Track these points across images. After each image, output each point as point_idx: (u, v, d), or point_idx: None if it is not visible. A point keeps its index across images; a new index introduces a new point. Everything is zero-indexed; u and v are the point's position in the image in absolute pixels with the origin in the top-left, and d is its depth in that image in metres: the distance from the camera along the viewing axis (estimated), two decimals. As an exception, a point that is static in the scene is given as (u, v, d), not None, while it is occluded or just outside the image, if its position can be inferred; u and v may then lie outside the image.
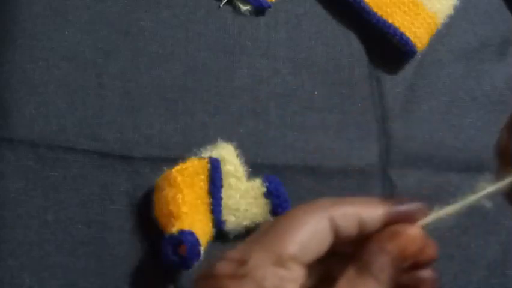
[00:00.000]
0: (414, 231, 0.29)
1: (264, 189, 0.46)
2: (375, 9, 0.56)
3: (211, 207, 0.45)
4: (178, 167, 0.43)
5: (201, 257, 0.43)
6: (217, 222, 0.45)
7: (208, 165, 0.44)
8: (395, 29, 0.55)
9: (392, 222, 0.29)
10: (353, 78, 0.56)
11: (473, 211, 0.55)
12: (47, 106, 0.50)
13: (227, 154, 0.46)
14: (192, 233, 0.42)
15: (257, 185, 0.47)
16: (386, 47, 0.56)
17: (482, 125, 0.56)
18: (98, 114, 0.51)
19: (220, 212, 0.45)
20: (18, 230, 0.46)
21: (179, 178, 0.42)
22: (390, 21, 0.55)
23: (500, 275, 0.51)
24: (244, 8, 0.56)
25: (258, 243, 0.28)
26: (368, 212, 0.29)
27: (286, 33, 0.57)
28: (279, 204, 0.46)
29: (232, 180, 0.46)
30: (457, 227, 0.51)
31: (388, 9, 0.56)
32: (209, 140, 0.49)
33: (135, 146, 0.50)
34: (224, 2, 0.56)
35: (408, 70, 0.57)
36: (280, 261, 0.27)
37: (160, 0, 0.56)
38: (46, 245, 0.46)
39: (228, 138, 0.49)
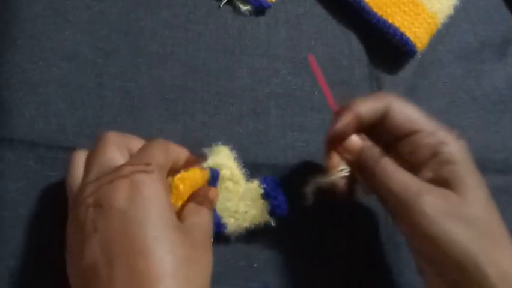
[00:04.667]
0: None
1: (262, 191, 0.47)
2: (375, 9, 0.56)
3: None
4: (179, 176, 0.42)
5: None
6: (216, 226, 0.46)
7: (208, 176, 0.45)
8: (395, 29, 0.55)
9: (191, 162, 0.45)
10: (353, 78, 0.56)
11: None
12: (47, 106, 0.50)
13: (222, 159, 0.46)
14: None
15: (254, 187, 0.47)
16: (386, 47, 0.56)
17: (482, 125, 0.56)
18: (98, 114, 0.51)
19: (216, 216, 0.46)
20: (18, 230, 0.46)
21: (181, 186, 0.42)
22: (390, 21, 0.55)
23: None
24: (244, 8, 0.56)
25: (157, 146, 0.41)
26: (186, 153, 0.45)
27: (286, 33, 0.57)
28: (278, 205, 0.46)
29: (229, 184, 0.46)
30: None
31: (388, 9, 0.56)
32: (209, 140, 0.49)
33: (135, 146, 0.50)
34: (224, 2, 0.56)
35: (408, 70, 0.57)
36: (169, 162, 0.41)
37: (160, 0, 0.56)
38: (46, 245, 0.46)
39: (228, 138, 0.49)
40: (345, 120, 0.42)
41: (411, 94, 0.56)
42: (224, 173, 0.46)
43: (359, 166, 0.42)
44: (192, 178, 0.43)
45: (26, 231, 0.46)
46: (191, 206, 0.41)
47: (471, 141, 0.55)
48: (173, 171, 0.42)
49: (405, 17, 0.55)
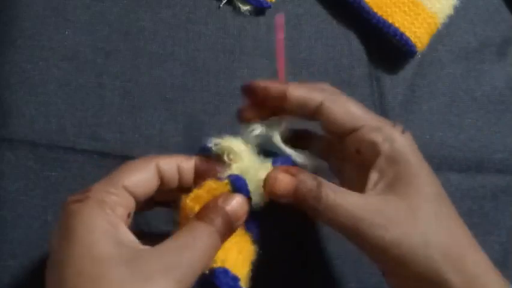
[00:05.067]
0: (240, 198, 0.36)
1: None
2: (375, 9, 0.56)
3: (245, 225, 0.38)
4: (192, 195, 0.36)
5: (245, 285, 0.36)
6: (255, 237, 0.39)
7: (228, 187, 0.37)
8: (395, 29, 0.55)
9: (201, 172, 0.38)
10: (353, 78, 0.56)
11: (473, 211, 0.55)
12: (47, 106, 0.50)
13: (235, 150, 0.39)
14: (225, 271, 0.35)
15: (267, 166, 0.39)
16: (386, 47, 0.56)
17: (482, 125, 0.56)
18: (98, 114, 0.51)
19: (256, 227, 0.39)
20: (18, 230, 0.46)
21: (196, 207, 0.35)
22: (390, 21, 0.55)
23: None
24: (244, 8, 0.56)
25: (103, 179, 0.36)
26: (184, 162, 0.38)
27: (286, 33, 0.56)
28: None
29: (246, 166, 0.39)
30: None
31: (388, 9, 0.56)
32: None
33: (135, 146, 0.50)
34: (224, 2, 0.56)
35: (408, 70, 0.57)
36: (116, 189, 0.35)
37: (160, 0, 0.56)
38: (46, 245, 0.46)
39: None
40: (274, 85, 0.39)
41: (411, 94, 0.56)
42: (238, 166, 0.39)
43: (299, 205, 0.37)
44: (206, 195, 0.36)
45: (26, 231, 0.46)
46: (188, 223, 0.35)
47: (471, 141, 0.55)
48: (183, 190, 0.37)
49: (405, 17, 0.55)
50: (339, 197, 0.36)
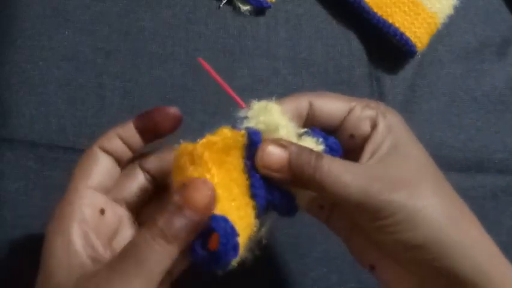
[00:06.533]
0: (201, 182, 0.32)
1: (322, 147, 0.37)
2: (375, 9, 0.56)
3: (251, 191, 0.35)
4: (204, 141, 0.32)
5: (239, 254, 0.33)
6: (260, 209, 0.35)
7: (244, 139, 0.33)
8: (395, 29, 0.55)
9: (143, 130, 0.37)
10: (353, 78, 0.56)
11: (473, 211, 0.55)
12: (47, 106, 0.50)
13: (273, 117, 0.36)
14: (225, 219, 0.32)
15: (311, 145, 0.37)
16: (386, 47, 0.56)
17: (482, 125, 0.56)
18: (98, 114, 0.51)
19: (263, 196, 0.35)
20: (18, 230, 0.46)
21: (206, 154, 0.32)
22: (390, 21, 0.55)
23: (500, 275, 0.51)
24: (244, 8, 0.56)
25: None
26: (122, 130, 0.37)
27: (286, 33, 0.57)
28: (336, 149, 0.38)
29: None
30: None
31: (388, 9, 0.56)
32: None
33: (135, 146, 0.50)
34: (224, 2, 0.56)
35: (408, 70, 0.57)
36: (77, 193, 0.35)
37: (160, 0, 0.56)
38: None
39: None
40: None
41: (411, 94, 0.56)
42: (281, 134, 0.35)
43: (296, 180, 0.35)
44: (219, 144, 0.33)
45: (26, 231, 0.46)
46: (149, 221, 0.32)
47: (471, 141, 0.55)
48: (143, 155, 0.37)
49: (405, 17, 0.55)
50: (341, 167, 0.34)
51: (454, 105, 0.57)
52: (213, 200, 0.32)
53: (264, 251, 0.49)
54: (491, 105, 0.57)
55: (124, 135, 0.37)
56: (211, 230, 0.31)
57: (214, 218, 0.31)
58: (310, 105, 0.38)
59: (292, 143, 0.35)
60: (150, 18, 0.55)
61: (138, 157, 0.38)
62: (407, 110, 0.56)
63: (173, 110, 0.37)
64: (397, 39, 0.55)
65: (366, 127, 0.38)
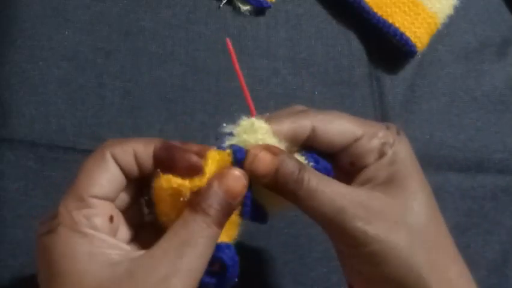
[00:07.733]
0: (237, 172, 0.33)
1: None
2: (375, 9, 0.56)
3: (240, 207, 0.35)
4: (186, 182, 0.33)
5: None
6: (244, 218, 0.36)
7: (230, 158, 0.34)
8: (395, 29, 0.55)
9: (160, 161, 0.34)
10: (353, 78, 0.56)
11: (473, 211, 0.55)
12: (47, 106, 0.50)
13: (261, 137, 0.36)
14: (228, 246, 0.34)
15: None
16: (386, 47, 0.56)
17: (482, 125, 0.56)
18: (98, 114, 0.51)
19: (249, 205, 0.36)
20: (18, 230, 0.46)
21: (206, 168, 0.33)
22: (390, 21, 0.55)
23: (500, 275, 0.51)
24: (244, 8, 0.56)
25: (65, 194, 0.33)
26: (141, 147, 0.34)
27: (286, 33, 0.57)
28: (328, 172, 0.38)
29: None
30: (456, 227, 0.51)
31: (388, 9, 0.56)
32: (209, 140, 0.49)
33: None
34: (224, 2, 0.56)
35: (408, 70, 0.57)
36: (83, 201, 0.32)
37: (160, 0, 0.56)
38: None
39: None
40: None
41: (411, 94, 0.56)
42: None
43: (279, 189, 0.34)
44: (211, 166, 0.33)
45: (26, 231, 0.46)
46: (180, 216, 0.32)
47: (471, 141, 0.55)
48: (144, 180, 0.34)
49: (405, 17, 0.55)
50: (322, 184, 0.34)
51: (454, 105, 0.57)
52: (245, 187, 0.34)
53: (264, 251, 0.49)
54: (491, 105, 0.57)
55: (140, 155, 0.34)
56: (218, 259, 0.33)
57: (220, 247, 0.33)
58: (313, 130, 0.36)
59: (283, 152, 0.35)
60: (150, 18, 0.55)
61: (109, 145, 0.34)
62: (407, 110, 0.56)
63: (195, 160, 0.33)
64: (397, 39, 0.55)
65: (369, 159, 0.36)
